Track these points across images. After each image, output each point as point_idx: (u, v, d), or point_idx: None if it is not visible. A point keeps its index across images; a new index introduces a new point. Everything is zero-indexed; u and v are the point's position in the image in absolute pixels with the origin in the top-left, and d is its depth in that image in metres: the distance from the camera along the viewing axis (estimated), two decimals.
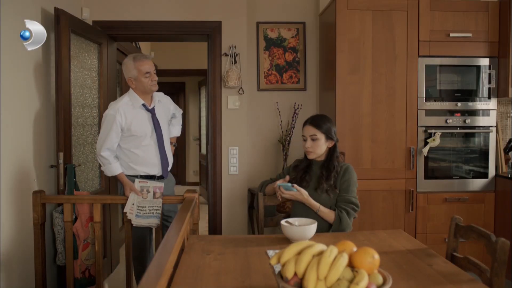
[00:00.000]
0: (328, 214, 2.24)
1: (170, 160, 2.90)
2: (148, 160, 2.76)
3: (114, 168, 2.69)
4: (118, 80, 4.34)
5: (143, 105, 2.75)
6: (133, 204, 2.69)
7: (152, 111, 2.78)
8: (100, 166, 3.39)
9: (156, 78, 2.77)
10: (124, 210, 2.72)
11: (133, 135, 2.71)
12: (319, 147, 2.33)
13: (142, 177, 2.76)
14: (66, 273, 2.68)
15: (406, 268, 1.60)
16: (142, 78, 2.70)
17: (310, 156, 2.36)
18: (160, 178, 2.82)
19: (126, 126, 2.68)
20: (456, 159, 3.39)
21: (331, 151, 2.35)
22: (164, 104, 2.93)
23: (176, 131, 3.11)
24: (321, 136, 2.32)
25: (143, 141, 2.73)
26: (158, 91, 2.87)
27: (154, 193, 2.70)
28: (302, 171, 2.41)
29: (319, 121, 2.35)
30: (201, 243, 1.93)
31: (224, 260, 1.70)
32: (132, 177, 2.74)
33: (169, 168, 2.88)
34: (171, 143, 3.01)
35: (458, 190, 3.33)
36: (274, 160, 3.85)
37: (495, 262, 1.53)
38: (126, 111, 2.69)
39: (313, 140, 2.32)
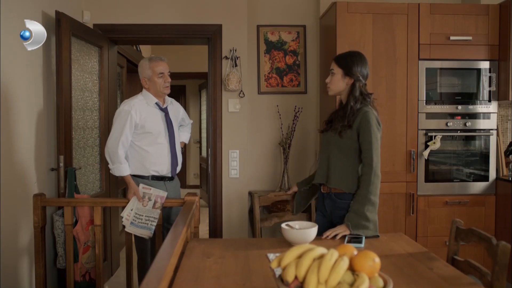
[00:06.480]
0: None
1: (180, 161, 2.90)
2: (160, 159, 2.76)
3: (123, 169, 2.69)
4: (119, 83, 4.35)
5: (157, 103, 2.78)
6: (131, 210, 2.69)
7: (165, 110, 2.82)
8: (100, 169, 3.41)
9: (169, 79, 2.80)
10: (121, 214, 2.72)
11: (147, 132, 2.72)
12: (335, 83, 2.21)
13: (153, 177, 2.76)
14: (67, 276, 2.68)
15: (406, 271, 1.59)
16: (155, 78, 2.74)
17: (329, 92, 2.27)
18: (170, 179, 2.83)
19: (141, 123, 2.70)
20: (457, 162, 3.39)
21: (350, 90, 2.19)
22: (175, 108, 2.97)
23: (185, 137, 3.13)
24: (337, 71, 2.20)
25: (158, 139, 2.75)
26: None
27: (155, 202, 2.69)
28: (330, 115, 2.31)
29: (340, 56, 2.24)
30: (201, 246, 1.93)
31: (225, 263, 1.69)
32: (140, 179, 2.74)
33: (178, 169, 2.88)
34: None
35: (458, 193, 3.33)
36: (274, 163, 3.85)
37: (496, 266, 1.53)
38: (141, 108, 2.72)
39: (331, 75, 2.23)
